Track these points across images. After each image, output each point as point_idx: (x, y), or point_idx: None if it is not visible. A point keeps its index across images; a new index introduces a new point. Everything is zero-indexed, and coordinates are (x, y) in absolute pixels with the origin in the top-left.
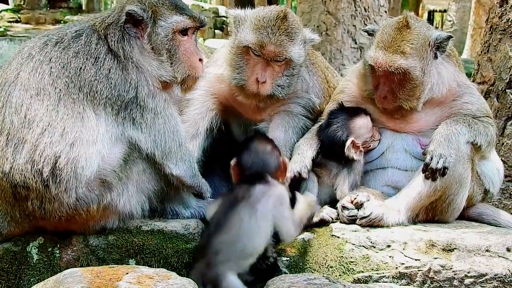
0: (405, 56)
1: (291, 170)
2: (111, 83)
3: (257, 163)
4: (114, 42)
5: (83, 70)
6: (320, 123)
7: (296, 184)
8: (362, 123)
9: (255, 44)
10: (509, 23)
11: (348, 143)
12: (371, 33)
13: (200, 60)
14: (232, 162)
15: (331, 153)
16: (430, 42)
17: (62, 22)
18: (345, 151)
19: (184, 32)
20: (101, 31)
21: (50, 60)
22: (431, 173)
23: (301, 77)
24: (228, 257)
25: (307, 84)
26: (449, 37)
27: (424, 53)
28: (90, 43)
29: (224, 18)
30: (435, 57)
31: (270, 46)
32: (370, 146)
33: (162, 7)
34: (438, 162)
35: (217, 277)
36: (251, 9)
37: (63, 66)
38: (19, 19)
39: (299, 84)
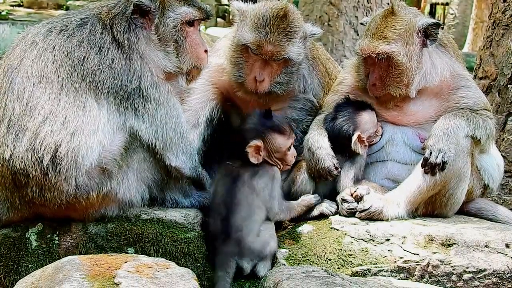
0: (387, 42)
1: (323, 166)
2: (114, 72)
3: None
4: (120, 32)
5: (87, 59)
6: (323, 114)
7: None
8: (368, 118)
9: (253, 44)
10: None
11: (354, 137)
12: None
13: (205, 51)
14: None
15: (335, 146)
16: (416, 28)
17: (64, 6)
18: (352, 145)
19: (191, 23)
20: (107, 20)
21: (53, 48)
22: (430, 168)
23: (300, 74)
24: (249, 230)
25: (305, 82)
26: (437, 24)
27: (409, 39)
28: (95, 32)
29: (227, 7)
30: (424, 44)
31: (268, 46)
32: (373, 141)
33: None
34: (437, 157)
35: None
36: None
37: (67, 55)
38: (21, 3)
39: (298, 82)
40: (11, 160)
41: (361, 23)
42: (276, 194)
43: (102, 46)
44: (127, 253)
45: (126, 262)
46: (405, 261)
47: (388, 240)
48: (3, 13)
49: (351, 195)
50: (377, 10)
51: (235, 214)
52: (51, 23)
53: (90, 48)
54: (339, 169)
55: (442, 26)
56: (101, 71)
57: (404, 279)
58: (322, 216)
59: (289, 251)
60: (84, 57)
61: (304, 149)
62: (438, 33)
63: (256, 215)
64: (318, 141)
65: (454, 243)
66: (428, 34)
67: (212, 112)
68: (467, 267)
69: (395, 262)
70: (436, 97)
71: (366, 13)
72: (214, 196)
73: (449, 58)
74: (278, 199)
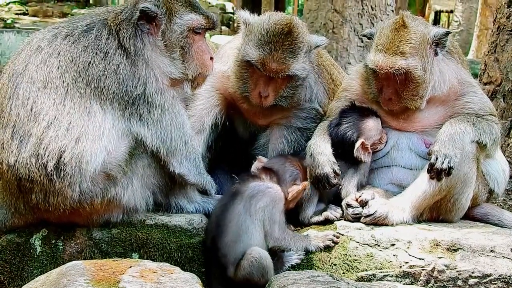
0: (405, 57)
1: (322, 172)
2: (119, 78)
3: (277, 164)
4: (126, 38)
5: (92, 64)
6: (327, 120)
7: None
8: (373, 125)
9: (258, 62)
10: None
11: (357, 144)
12: (369, 37)
13: (211, 58)
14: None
15: (339, 152)
16: (428, 39)
17: (69, 15)
18: (354, 152)
19: (197, 30)
20: (113, 26)
21: (59, 53)
22: (436, 173)
23: (306, 84)
24: (236, 256)
25: (311, 91)
26: (448, 33)
27: (423, 51)
28: (101, 37)
29: (231, 15)
30: (436, 54)
31: (273, 64)
32: (377, 148)
33: (177, 3)
34: (443, 163)
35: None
36: (259, 12)
37: (72, 60)
38: (26, 12)
39: (303, 92)
40: (16, 166)
41: (364, 35)
42: (277, 218)
43: (108, 51)
44: (132, 258)
45: (130, 267)
46: (411, 266)
47: (393, 245)
48: (8, 21)
49: (356, 200)
50: (382, 17)
51: (223, 236)
52: (57, 29)
53: (96, 54)
54: (340, 176)
55: (451, 33)
56: (106, 76)
57: (409, 284)
58: (327, 221)
59: None
60: (90, 62)
61: (307, 155)
62: (447, 41)
63: (242, 240)
64: (320, 146)
65: (459, 248)
66: (438, 43)
67: (216, 118)
68: (472, 272)
69: (401, 267)
70: (442, 104)
71: (370, 20)
72: (213, 211)
73: (455, 64)
74: (280, 223)
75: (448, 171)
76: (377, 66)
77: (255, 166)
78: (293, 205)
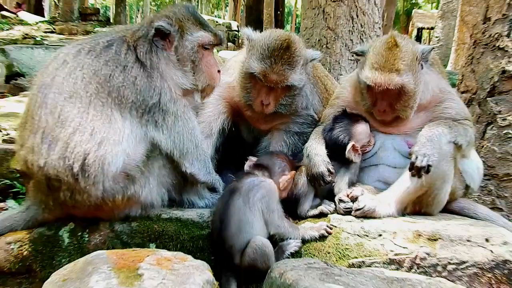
0: (400, 74)
1: (317, 171)
2: (137, 89)
3: (266, 160)
4: (142, 53)
5: (112, 76)
6: (322, 125)
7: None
8: (362, 129)
9: (260, 74)
10: (491, 38)
11: (349, 146)
12: (360, 54)
13: (218, 71)
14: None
15: (333, 154)
16: (417, 56)
17: (92, 33)
18: (346, 153)
19: (206, 46)
20: (131, 42)
21: (82, 66)
22: (416, 171)
23: (303, 94)
24: (241, 245)
25: (307, 99)
26: (432, 49)
27: (414, 67)
28: (120, 52)
29: (236, 32)
30: (421, 67)
31: (273, 75)
32: (366, 149)
33: (188, 22)
34: (422, 161)
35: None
36: (261, 29)
37: (94, 73)
38: (54, 30)
39: (301, 100)
40: (45, 167)
41: (355, 53)
42: (274, 207)
43: (126, 65)
44: (149, 248)
45: (148, 256)
46: (396, 254)
47: (380, 235)
48: (38, 39)
49: (348, 196)
50: (370, 34)
51: (227, 229)
52: (80, 44)
53: (116, 67)
54: (333, 174)
55: (434, 49)
56: (125, 87)
57: (395, 270)
58: (322, 215)
59: None
60: (110, 75)
61: (304, 156)
62: (430, 55)
63: (245, 230)
64: (316, 148)
65: (439, 238)
66: (423, 58)
67: (223, 124)
68: (451, 259)
69: (387, 255)
70: (424, 110)
71: (360, 36)
72: (215, 209)
73: (437, 75)
74: (277, 212)
75: (427, 169)
76: (374, 83)
77: (248, 165)
78: (286, 194)
